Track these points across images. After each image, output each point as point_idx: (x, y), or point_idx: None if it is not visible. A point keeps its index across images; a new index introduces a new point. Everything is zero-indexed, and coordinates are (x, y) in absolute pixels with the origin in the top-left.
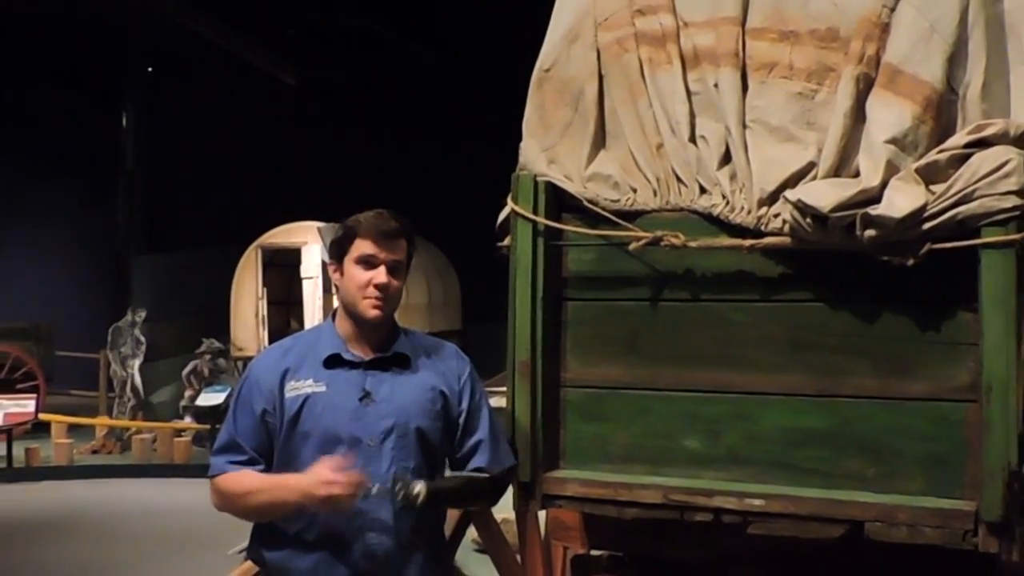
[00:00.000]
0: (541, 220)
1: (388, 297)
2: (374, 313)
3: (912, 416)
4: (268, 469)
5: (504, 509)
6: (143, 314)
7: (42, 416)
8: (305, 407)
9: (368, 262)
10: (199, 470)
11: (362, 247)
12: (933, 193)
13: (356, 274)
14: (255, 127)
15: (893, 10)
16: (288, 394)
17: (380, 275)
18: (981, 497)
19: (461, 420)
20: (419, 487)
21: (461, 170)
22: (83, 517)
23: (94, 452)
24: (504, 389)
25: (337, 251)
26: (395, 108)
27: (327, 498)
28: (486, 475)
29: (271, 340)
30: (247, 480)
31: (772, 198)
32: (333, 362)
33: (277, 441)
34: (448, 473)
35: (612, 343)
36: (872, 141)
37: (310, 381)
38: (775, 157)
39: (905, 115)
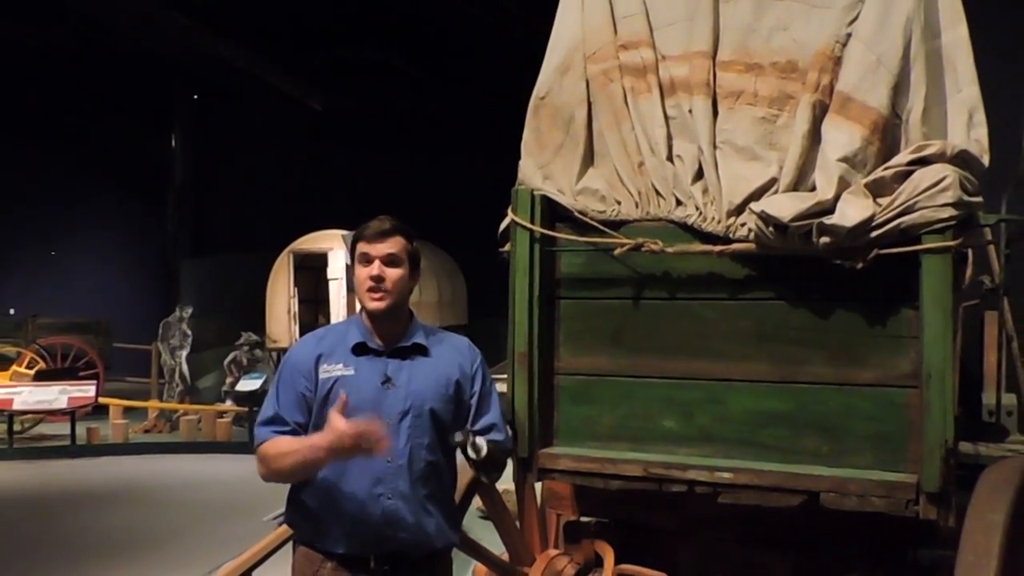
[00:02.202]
0: (537, 229)
1: (386, 288)
2: (374, 305)
3: (861, 400)
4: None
5: (505, 481)
6: (189, 310)
7: (101, 400)
8: (335, 388)
9: (366, 259)
10: (239, 447)
11: (361, 248)
12: (880, 205)
13: (358, 272)
14: (286, 147)
15: (845, 45)
16: (321, 376)
17: (374, 268)
18: (922, 471)
19: (473, 403)
20: (482, 443)
21: (467, 185)
22: (137, 488)
23: (146, 431)
24: (505, 376)
25: (352, 258)
26: (408, 131)
27: (351, 448)
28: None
29: (301, 333)
30: (282, 444)
31: (739, 209)
32: (360, 350)
33: (313, 415)
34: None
35: (599, 336)
36: (826, 159)
37: (340, 365)
38: (742, 174)
39: (855, 137)
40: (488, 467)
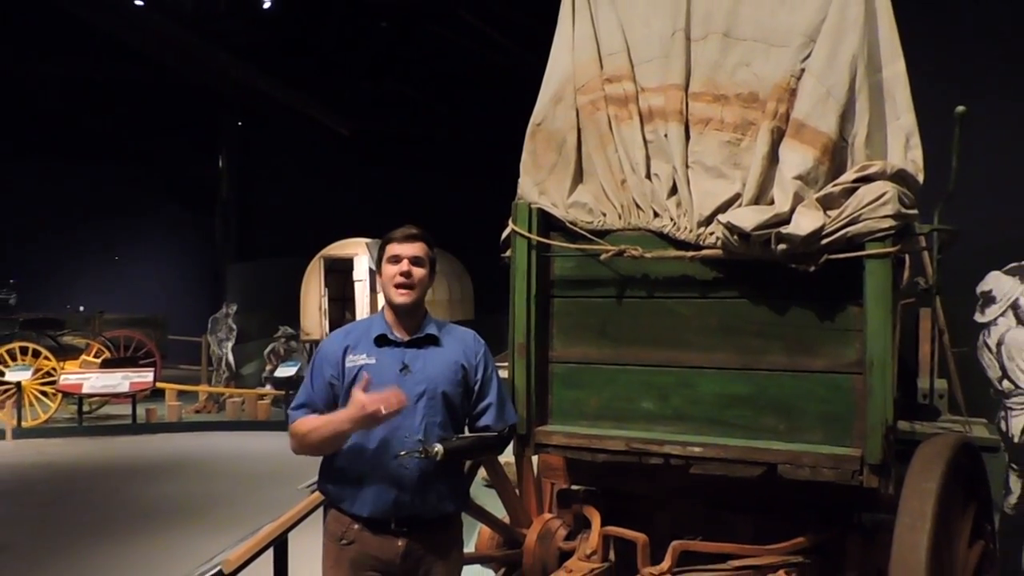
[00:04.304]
0: (534, 237)
1: (412, 284)
2: (401, 299)
3: (813, 384)
4: None
5: (506, 454)
6: (234, 307)
7: (158, 384)
8: (360, 374)
9: (396, 259)
10: (277, 425)
11: (391, 249)
12: (829, 217)
13: (387, 269)
14: (318, 166)
15: (799, 79)
16: (348, 364)
17: (403, 266)
18: (865, 446)
19: (476, 387)
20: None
21: (473, 199)
22: (189, 461)
23: (197, 412)
24: (506, 364)
25: (378, 260)
26: (423, 152)
27: (372, 415)
28: (494, 433)
29: (331, 327)
30: (311, 421)
31: (708, 220)
32: (382, 341)
33: (340, 399)
34: (465, 433)
35: (587, 329)
36: (783, 177)
37: (364, 355)
38: (710, 189)
39: (808, 158)
40: (464, 456)
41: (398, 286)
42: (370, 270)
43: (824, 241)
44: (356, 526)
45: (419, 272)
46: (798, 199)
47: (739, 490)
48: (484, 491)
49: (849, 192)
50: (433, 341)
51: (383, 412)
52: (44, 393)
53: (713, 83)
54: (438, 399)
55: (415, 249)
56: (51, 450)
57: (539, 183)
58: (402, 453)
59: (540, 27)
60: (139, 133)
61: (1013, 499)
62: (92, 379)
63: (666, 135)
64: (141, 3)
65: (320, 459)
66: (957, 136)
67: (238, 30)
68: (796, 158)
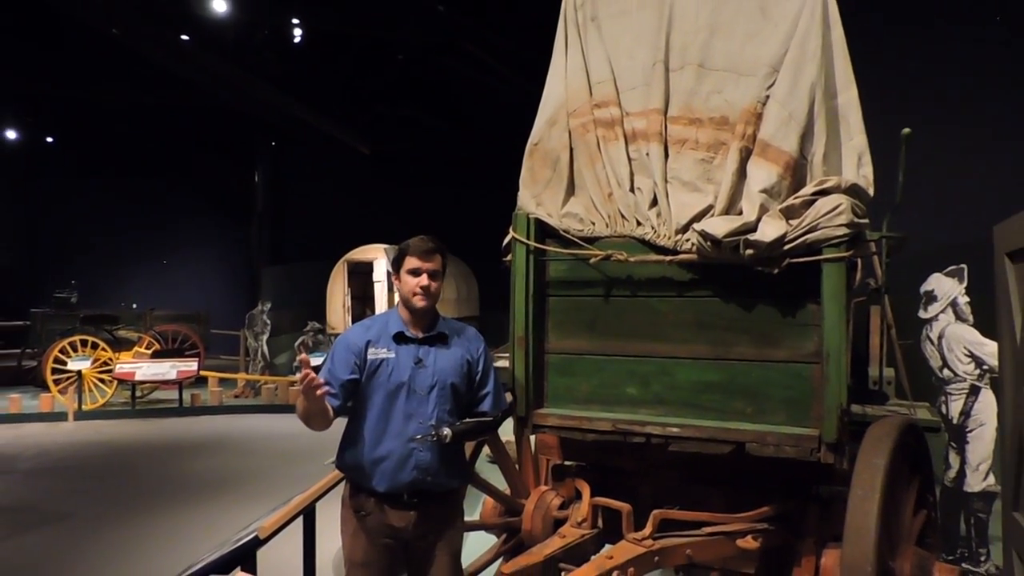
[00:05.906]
0: (531, 243)
1: (430, 293)
2: (421, 305)
3: (777, 373)
4: (345, 398)
5: (507, 434)
6: (269, 305)
7: (202, 372)
8: (381, 366)
9: (416, 272)
10: None
11: (411, 262)
12: (791, 225)
13: (408, 280)
14: (342, 181)
15: (764, 104)
16: (370, 356)
17: (423, 280)
18: (822, 426)
19: (477, 378)
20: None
21: (478, 209)
22: (228, 439)
23: (236, 397)
24: (507, 355)
25: (396, 265)
26: (434, 168)
27: (307, 385)
28: (490, 417)
29: (353, 322)
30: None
31: (684, 228)
32: (399, 338)
33: (361, 382)
34: (468, 419)
35: (579, 324)
36: (751, 191)
37: (385, 349)
38: (686, 202)
39: (772, 174)
40: (467, 438)
41: (416, 295)
42: (388, 272)
43: (786, 247)
44: (373, 500)
45: (435, 284)
46: (763, 210)
47: (712, 465)
48: (488, 466)
49: (808, 204)
50: (443, 339)
51: (311, 380)
52: (102, 380)
53: (689, 108)
54: (448, 389)
55: (433, 264)
56: (107, 431)
57: (536, 196)
58: (417, 437)
59: (536, 58)
60: (185, 152)
61: (952, 474)
62: (144, 368)
63: (648, 154)
64: (187, 38)
65: (339, 439)
66: (903, 155)
67: (272, 61)
68: (762, 174)
